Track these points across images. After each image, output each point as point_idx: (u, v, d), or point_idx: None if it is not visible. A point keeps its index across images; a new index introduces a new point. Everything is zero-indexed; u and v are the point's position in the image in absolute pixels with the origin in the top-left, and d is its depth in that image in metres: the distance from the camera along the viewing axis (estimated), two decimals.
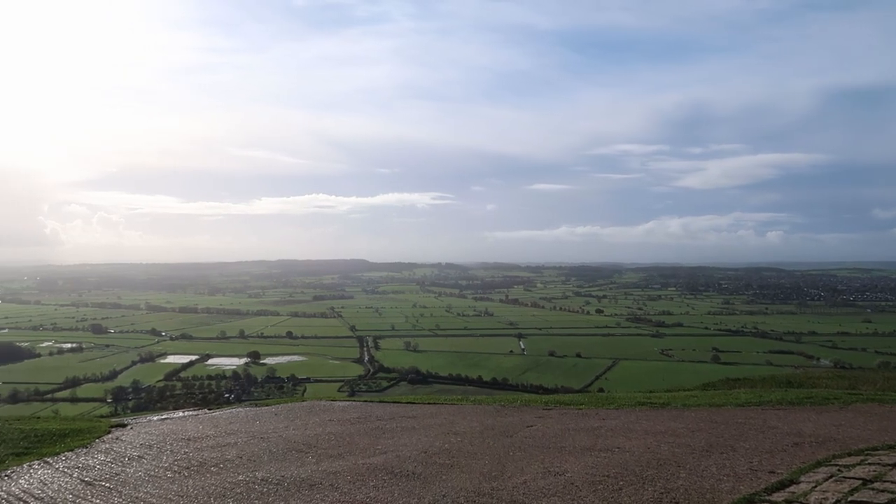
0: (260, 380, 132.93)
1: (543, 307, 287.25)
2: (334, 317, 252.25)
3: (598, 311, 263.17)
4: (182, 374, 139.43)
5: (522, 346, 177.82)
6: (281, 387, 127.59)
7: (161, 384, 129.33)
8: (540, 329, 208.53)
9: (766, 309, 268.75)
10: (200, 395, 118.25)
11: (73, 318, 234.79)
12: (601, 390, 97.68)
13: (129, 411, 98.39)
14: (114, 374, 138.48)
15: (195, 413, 21.28)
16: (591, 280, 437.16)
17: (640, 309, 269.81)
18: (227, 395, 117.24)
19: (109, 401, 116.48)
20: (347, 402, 21.91)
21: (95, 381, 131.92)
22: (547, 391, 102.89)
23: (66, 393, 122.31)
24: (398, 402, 20.60)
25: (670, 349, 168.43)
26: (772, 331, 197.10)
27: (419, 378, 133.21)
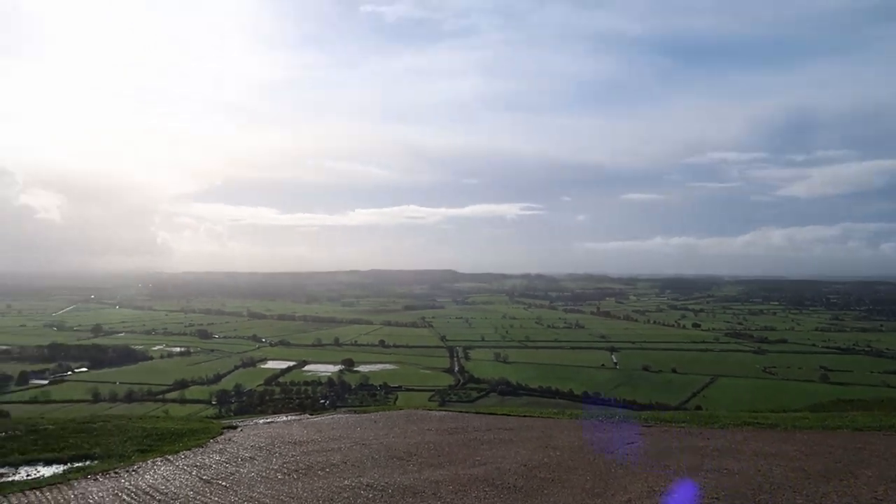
0: (354, 387, 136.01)
1: (636, 320, 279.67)
2: (425, 326, 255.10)
3: (695, 326, 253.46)
4: (280, 380, 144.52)
5: (615, 360, 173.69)
6: (374, 394, 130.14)
7: (261, 388, 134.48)
8: (633, 343, 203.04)
9: (881, 326, 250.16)
10: (298, 401, 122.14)
11: (182, 323, 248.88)
12: (699, 408, 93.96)
13: (232, 414, 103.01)
14: (218, 378, 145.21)
15: (298, 418, 22.16)
16: (686, 293, 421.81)
17: (740, 324, 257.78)
18: (322, 401, 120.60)
19: (214, 403, 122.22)
20: (443, 412, 22.19)
21: (201, 383, 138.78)
22: (641, 407, 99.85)
23: (175, 394, 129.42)
24: (494, 414, 20.69)
25: (773, 367, 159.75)
26: (887, 349, 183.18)
27: (509, 389, 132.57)
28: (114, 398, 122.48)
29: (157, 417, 21.70)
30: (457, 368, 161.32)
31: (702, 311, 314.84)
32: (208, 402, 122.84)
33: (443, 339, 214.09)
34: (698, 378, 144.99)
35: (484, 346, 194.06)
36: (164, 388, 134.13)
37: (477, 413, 21.43)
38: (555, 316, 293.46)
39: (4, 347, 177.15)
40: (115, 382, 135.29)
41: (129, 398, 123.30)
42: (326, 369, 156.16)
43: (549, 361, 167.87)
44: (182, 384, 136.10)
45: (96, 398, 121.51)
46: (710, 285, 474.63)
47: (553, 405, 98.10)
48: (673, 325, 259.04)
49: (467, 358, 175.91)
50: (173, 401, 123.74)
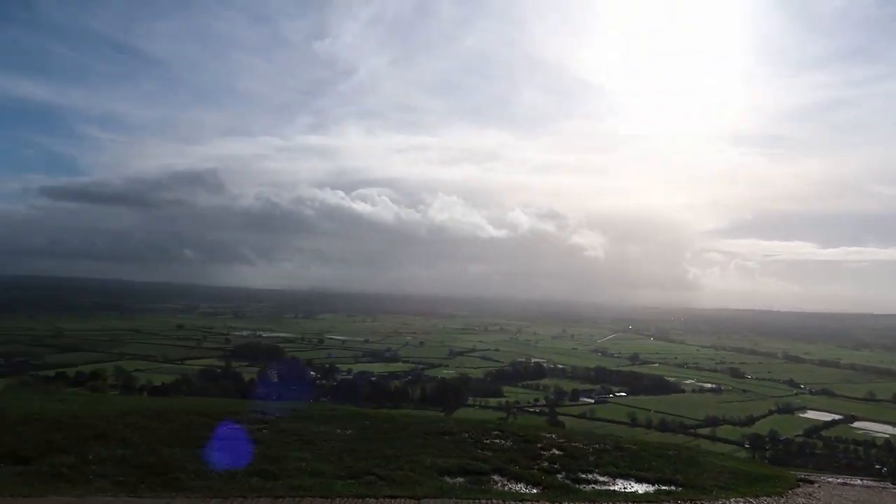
0: None
1: None
2: None
3: None
4: (823, 433, 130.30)
5: None
6: None
7: (800, 439, 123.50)
8: None
9: None
10: (845, 461, 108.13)
11: (713, 359, 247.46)
12: None
13: (766, 461, 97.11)
14: (750, 421, 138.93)
15: (879, 485, 19.29)
16: None
17: None
18: (878, 467, 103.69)
19: (747, 446, 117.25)
20: None
21: (732, 423, 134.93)
22: None
23: (705, 430, 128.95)
24: None
25: None
26: None
27: None
28: (648, 424, 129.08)
29: (723, 455, 21.76)
30: None
31: None
32: (740, 444, 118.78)
33: None
34: None
35: None
36: (695, 422, 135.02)
37: None
38: None
39: (561, 366, 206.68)
40: (649, 410, 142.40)
41: (662, 427, 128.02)
42: (882, 429, 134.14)
43: None
44: (713, 421, 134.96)
45: (633, 422, 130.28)
46: None
47: None
48: None
49: None
50: (704, 437, 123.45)
